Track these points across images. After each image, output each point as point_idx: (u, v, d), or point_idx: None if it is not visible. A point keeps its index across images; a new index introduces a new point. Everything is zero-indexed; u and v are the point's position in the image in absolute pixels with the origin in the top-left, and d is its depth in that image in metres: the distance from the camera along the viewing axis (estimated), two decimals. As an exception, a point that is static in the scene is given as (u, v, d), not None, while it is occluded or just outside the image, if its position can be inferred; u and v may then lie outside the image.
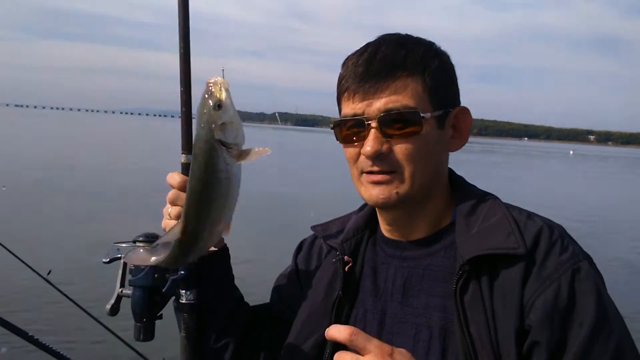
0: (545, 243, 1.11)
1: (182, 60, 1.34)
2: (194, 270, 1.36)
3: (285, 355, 1.35)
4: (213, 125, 1.05)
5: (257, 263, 8.67)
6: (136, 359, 1.44)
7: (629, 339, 1.07)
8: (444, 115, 1.23)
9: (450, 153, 1.30)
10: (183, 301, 1.36)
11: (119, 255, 1.43)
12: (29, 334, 2.38)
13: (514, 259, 1.10)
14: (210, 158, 1.07)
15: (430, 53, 1.22)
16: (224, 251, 1.44)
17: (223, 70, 1.09)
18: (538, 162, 61.36)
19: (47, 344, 2.39)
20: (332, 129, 1.29)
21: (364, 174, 1.23)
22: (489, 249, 1.12)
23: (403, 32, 1.28)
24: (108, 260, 1.44)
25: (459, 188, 1.30)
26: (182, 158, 1.35)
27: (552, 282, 1.07)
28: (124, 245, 1.43)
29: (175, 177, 1.32)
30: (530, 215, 1.20)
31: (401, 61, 1.18)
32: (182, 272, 1.35)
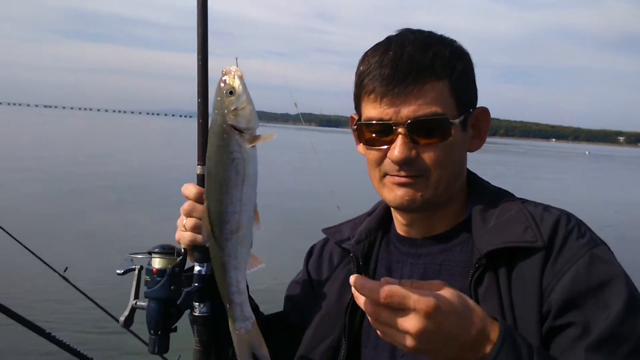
0: (563, 230, 1.12)
1: (200, 75, 1.32)
2: (207, 282, 1.33)
3: (301, 359, 1.34)
4: (225, 111, 1.09)
5: (272, 269, 8.58)
6: (150, 354, 1.43)
7: None
8: (466, 117, 1.22)
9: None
10: (197, 314, 1.35)
11: (133, 267, 1.40)
12: (46, 331, 2.41)
13: (532, 251, 1.10)
14: (223, 140, 1.10)
15: (455, 54, 1.21)
16: None
17: (237, 59, 1.13)
18: (540, 162, 60.06)
19: (63, 340, 2.43)
20: (354, 130, 1.27)
21: (388, 176, 1.22)
22: (507, 242, 1.12)
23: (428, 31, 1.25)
24: (122, 271, 1.41)
25: (474, 185, 1.31)
26: (198, 169, 1.32)
27: (570, 266, 1.07)
28: (139, 256, 1.40)
29: (190, 189, 1.30)
30: (546, 207, 1.20)
31: (429, 64, 1.16)
32: (196, 284, 1.33)
